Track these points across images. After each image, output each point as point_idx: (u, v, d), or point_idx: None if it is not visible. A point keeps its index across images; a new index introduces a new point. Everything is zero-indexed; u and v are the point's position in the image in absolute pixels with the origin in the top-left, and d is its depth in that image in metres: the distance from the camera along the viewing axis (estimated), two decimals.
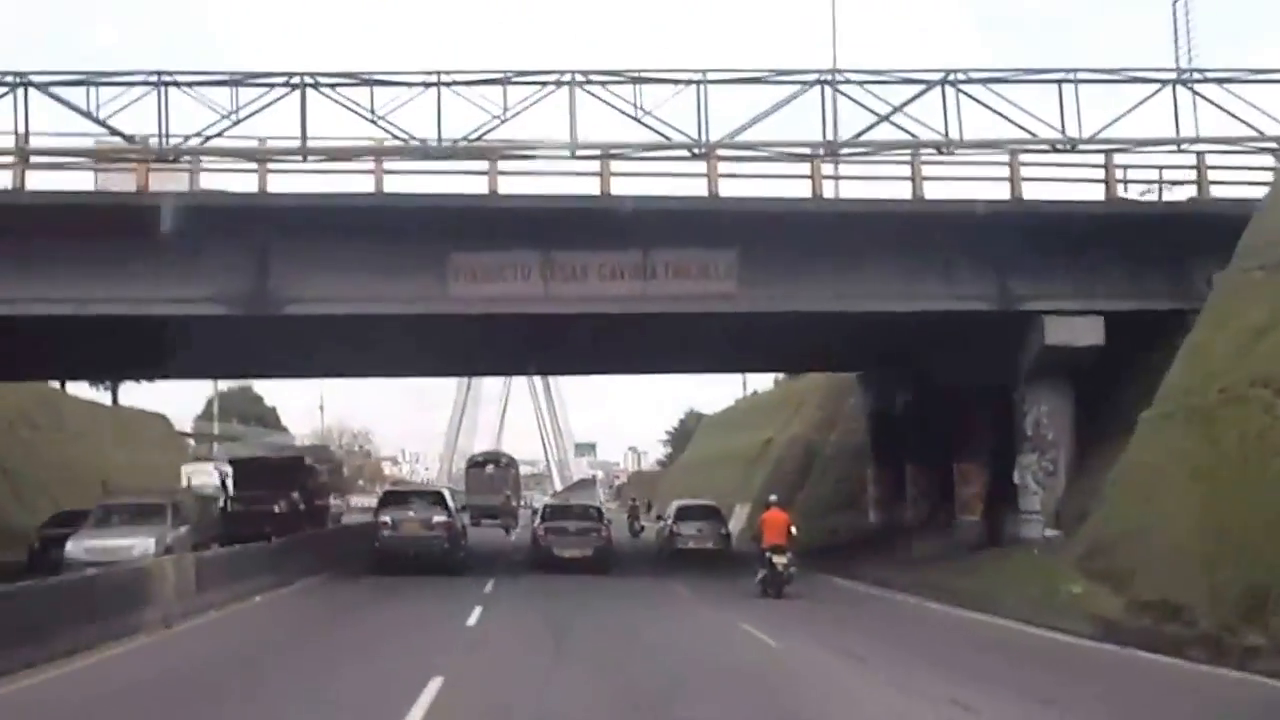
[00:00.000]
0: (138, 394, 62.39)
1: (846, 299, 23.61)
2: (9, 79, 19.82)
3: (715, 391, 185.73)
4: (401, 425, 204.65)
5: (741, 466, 52.24)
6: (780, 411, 53.52)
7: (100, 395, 61.96)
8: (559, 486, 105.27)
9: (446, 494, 31.40)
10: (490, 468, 58.71)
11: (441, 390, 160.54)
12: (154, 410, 63.06)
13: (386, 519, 27.17)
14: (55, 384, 55.09)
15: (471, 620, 17.31)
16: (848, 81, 21.71)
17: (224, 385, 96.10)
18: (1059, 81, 22.43)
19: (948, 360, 27.76)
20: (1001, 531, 26.29)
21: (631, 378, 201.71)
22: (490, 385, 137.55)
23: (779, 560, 20.96)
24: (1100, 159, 23.05)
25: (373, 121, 20.16)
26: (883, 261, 23.51)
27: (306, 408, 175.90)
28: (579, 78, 20.61)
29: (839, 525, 38.68)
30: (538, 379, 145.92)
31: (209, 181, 20.82)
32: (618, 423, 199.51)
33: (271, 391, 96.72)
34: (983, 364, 26.30)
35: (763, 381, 74.93)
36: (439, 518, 27.46)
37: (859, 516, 38.69)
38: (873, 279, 23.64)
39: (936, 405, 29.84)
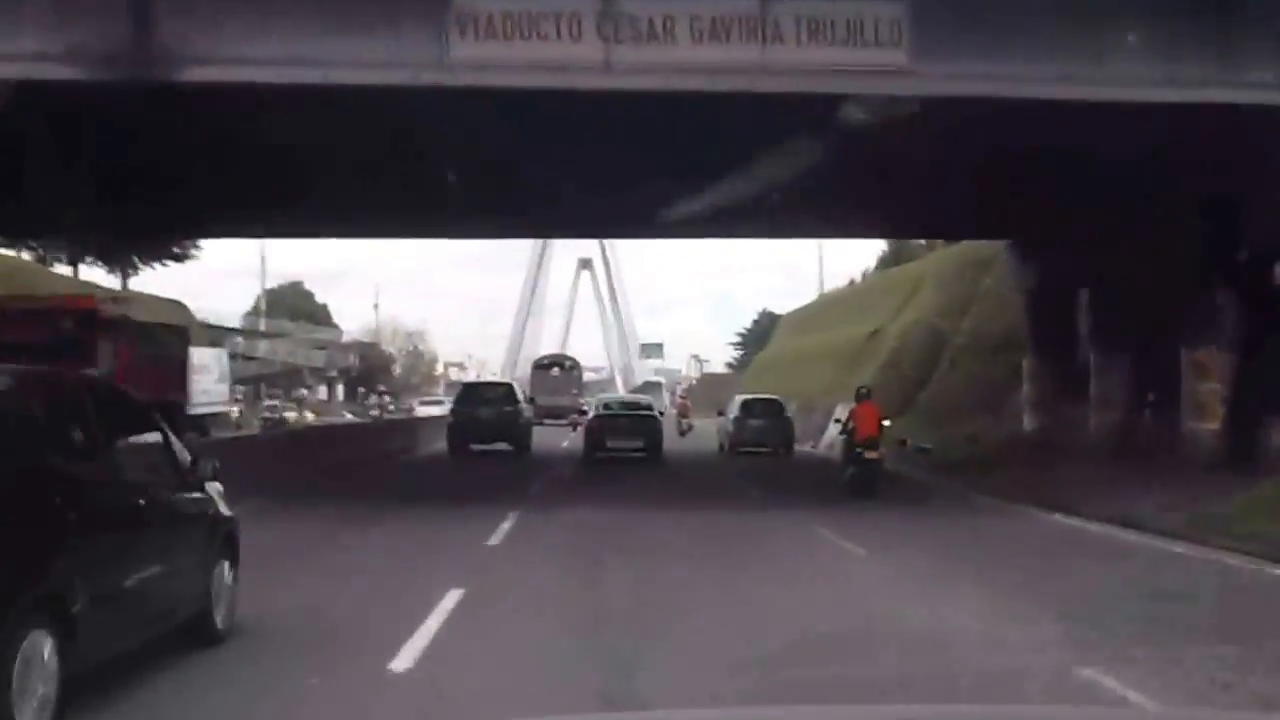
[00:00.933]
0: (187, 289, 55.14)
1: (1075, 82, 15.09)
2: None
3: (789, 300, 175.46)
4: (463, 332, 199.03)
5: (840, 363, 43.90)
6: (888, 299, 44.96)
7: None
8: (622, 391, 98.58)
9: (515, 386, 35.93)
10: (556, 370, 59.22)
11: (506, 298, 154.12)
12: (170, 297, 55.80)
13: (463, 406, 31.36)
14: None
15: (399, 663, 7.04)
16: None
17: (274, 282, 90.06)
18: None
19: (1183, 196, 19.20)
20: (1260, 444, 18.15)
21: (704, 278, 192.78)
22: (555, 293, 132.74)
23: (872, 455, 19.55)
24: None
25: None
26: (1130, 23, 14.91)
27: (364, 309, 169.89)
28: None
29: (979, 432, 30.65)
30: (604, 281, 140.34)
31: None
32: (683, 331, 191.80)
33: (326, 290, 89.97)
34: (1246, 200, 17.79)
35: (845, 277, 66.55)
36: (508, 407, 31.29)
37: (1004, 422, 30.76)
38: (1115, 52, 15.07)
39: (1148, 268, 21.40)
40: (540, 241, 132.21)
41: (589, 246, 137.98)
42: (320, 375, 69.71)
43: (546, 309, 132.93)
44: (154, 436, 7.11)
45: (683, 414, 45.08)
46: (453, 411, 32.03)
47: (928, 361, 37.06)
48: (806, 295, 77.51)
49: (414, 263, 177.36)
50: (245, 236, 40.62)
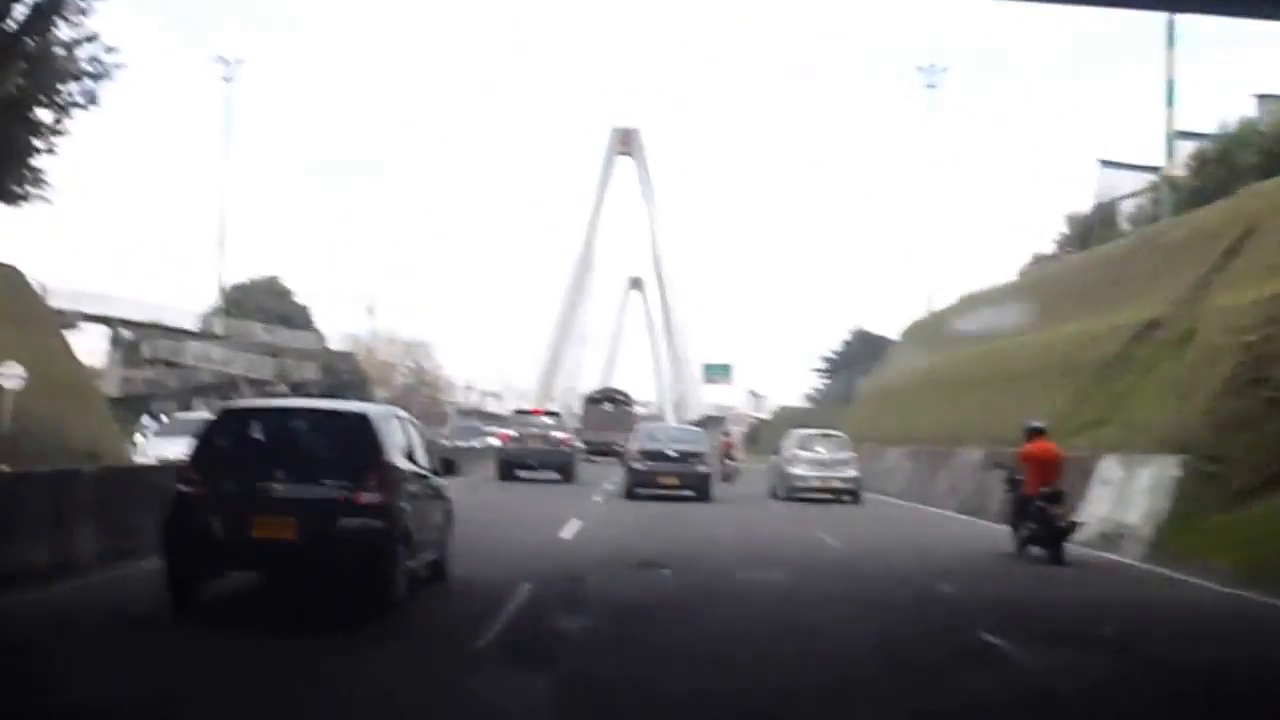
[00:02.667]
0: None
1: None
2: None
3: (881, 322, 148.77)
4: (495, 358, 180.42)
5: (1062, 382, 24.51)
6: (1155, 271, 25.38)
7: None
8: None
9: (563, 415, 40.04)
10: (607, 405, 55.76)
11: (539, 327, 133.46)
12: None
13: (513, 431, 33.19)
14: None
15: None
16: None
17: (245, 277, 72.57)
18: None
19: None
20: None
21: (770, 303, 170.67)
22: (598, 318, 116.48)
23: (1057, 510, 15.78)
24: None
25: None
26: None
27: (355, 315, 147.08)
28: None
29: None
30: (656, 303, 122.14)
31: None
32: (746, 363, 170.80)
33: (306, 289, 72.02)
34: None
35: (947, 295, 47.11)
36: (557, 433, 33.03)
37: None
38: None
39: None
40: (580, 256, 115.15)
41: (640, 265, 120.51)
42: (264, 390, 51.10)
43: (588, 335, 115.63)
44: (424, 446, 11.22)
45: (727, 454, 38.73)
46: (504, 441, 33.60)
47: None
48: (901, 317, 58.74)
49: (439, 280, 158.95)
50: None
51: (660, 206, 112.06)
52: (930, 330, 46.83)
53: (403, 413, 11.41)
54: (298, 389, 53.26)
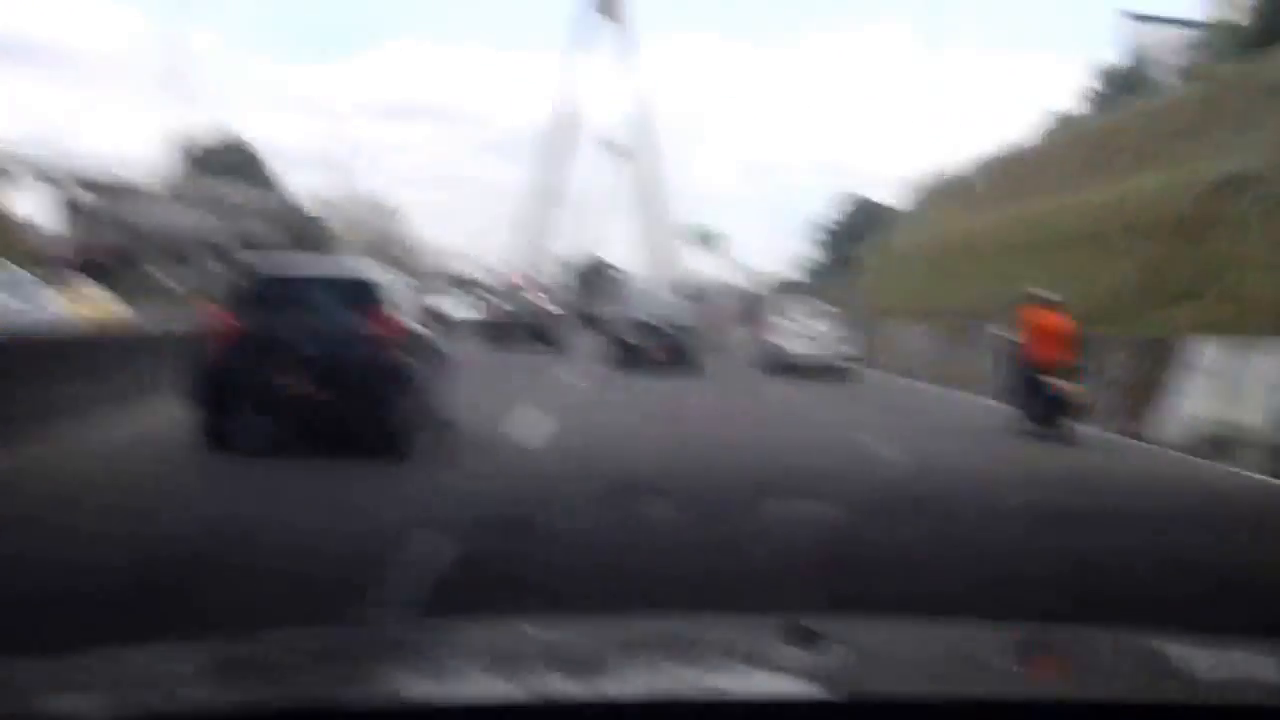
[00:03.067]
0: None
1: None
2: None
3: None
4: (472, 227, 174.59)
5: (1139, 248, 20.71)
6: (1245, 117, 21.38)
7: None
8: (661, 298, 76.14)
9: (550, 285, 41.02)
10: (594, 276, 56.08)
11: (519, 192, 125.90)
12: None
13: (499, 300, 34.08)
14: None
15: None
16: None
17: (210, 138, 67.92)
18: None
19: None
20: None
21: (757, 175, 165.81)
22: (580, 189, 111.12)
23: (1061, 384, 14.61)
24: None
25: None
26: None
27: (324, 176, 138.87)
28: None
29: None
30: (642, 172, 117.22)
31: None
32: (734, 239, 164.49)
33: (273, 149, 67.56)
34: None
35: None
36: (545, 304, 33.55)
37: None
38: None
39: None
40: (560, 119, 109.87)
41: (624, 130, 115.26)
42: (222, 254, 47.03)
43: (572, 202, 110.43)
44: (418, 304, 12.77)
45: (716, 327, 37.48)
46: (489, 310, 34.25)
47: None
48: (905, 185, 54.25)
49: (424, 153, 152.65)
50: None
51: (645, 68, 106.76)
52: (946, 195, 42.66)
53: (403, 275, 12.90)
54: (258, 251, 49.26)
